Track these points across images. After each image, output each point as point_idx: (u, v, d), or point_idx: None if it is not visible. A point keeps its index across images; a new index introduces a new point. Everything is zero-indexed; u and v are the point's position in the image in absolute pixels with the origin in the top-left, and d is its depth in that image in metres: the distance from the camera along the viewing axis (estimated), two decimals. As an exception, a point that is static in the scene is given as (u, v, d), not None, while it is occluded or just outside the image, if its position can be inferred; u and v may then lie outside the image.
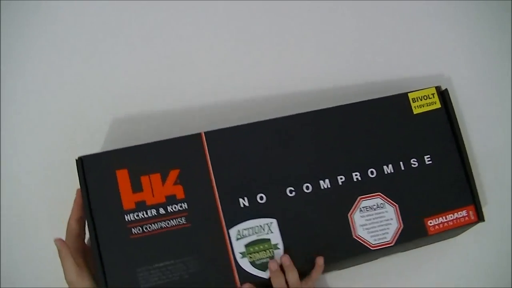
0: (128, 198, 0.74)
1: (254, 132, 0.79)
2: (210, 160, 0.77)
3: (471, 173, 0.80)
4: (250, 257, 0.75)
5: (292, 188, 0.77)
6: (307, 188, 0.77)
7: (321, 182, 0.78)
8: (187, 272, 0.73)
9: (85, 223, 0.77)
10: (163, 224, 0.74)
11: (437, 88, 0.83)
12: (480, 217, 0.79)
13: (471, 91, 0.91)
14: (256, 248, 0.75)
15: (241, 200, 0.76)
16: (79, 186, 0.75)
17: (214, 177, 0.76)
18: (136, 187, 0.75)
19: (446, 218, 0.79)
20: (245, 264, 0.74)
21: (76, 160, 0.75)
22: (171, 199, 0.75)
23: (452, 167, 0.81)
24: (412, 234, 0.78)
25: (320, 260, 0.74)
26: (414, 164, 0.80)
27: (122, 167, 0.75)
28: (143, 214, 0.74)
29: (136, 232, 0.73)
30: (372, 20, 0.93)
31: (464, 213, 0.79)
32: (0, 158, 0.87)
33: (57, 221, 0.78)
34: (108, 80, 0.90)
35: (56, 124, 0.88)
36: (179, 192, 0.75)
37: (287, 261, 0.74)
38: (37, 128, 0.88)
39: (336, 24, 0.93)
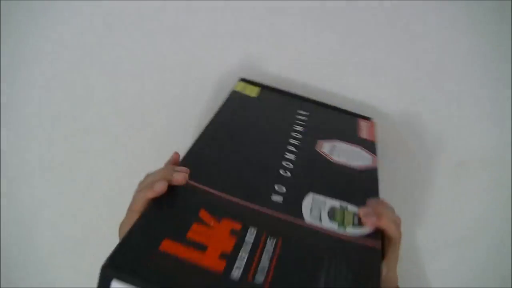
0: (208, 262, 0.46)
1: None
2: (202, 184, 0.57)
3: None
4: (345, 226, 0.57)
5: (285, 165, 0.64)
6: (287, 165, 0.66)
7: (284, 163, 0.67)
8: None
9: None
10: (267, 255, 0.49)
11: (243, 79, 0.87)
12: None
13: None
14: (338, 217, 0.58)
15: (274, 197, 0.58)
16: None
17: (225, 194, 0.57)
18: (197, 246, 0.47)
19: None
20: (352, 231, 0.56)
21: (104, 268, 0.41)
22: (237, 233, 0.51)
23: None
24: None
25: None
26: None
27: (162, 239, 0.46)
28: (240, 264, 0.47)
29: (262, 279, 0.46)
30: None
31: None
32: (0, 158, 0.85)
33: (58, 222, 0.79)
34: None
35: (56, 124, 0.87)
36: (230, 223, 0.52)
37: (364, 210, 0.59)
38: (37, 127, 0.87)
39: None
